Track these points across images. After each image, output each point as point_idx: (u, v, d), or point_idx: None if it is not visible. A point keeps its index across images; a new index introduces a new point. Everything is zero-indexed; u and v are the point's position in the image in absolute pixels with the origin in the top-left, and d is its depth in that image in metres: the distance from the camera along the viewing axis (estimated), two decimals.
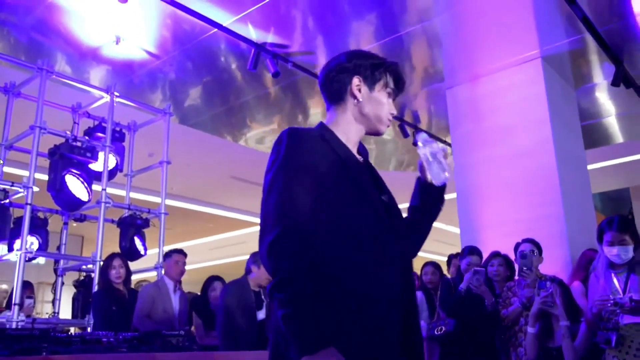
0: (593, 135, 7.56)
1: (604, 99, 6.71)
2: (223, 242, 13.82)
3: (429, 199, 1.85)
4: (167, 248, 5.04)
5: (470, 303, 4.22)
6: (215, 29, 4.93)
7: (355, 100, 1.76)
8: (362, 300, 1.50)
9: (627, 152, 8.72)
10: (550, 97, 5.47)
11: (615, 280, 3.32)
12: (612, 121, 7.39)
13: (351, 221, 1.58)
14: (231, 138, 7.57)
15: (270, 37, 5.13)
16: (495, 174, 5.52)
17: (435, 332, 4.48)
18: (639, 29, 5.18)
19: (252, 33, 5.05)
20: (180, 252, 4.89)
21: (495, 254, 4.56)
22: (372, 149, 7.96)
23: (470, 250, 4.62)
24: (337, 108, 1.79)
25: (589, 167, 6.26)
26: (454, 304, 4.38)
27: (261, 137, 7.54)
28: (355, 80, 1.76)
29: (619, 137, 7.96)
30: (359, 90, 1.76)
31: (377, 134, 1.83)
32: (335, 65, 1.80)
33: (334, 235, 1.54)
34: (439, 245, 12.96)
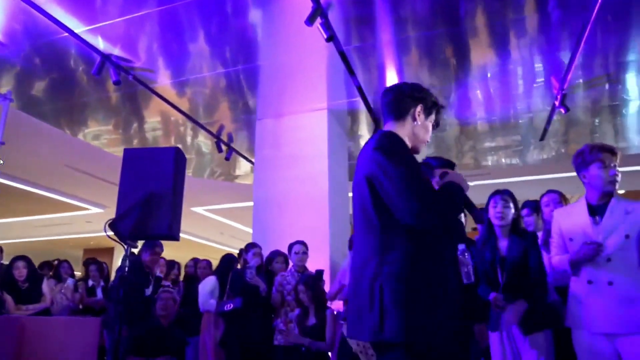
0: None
1: None
2: (50, 221, 12.15)
3: None
4: None
5: (252, 288, 4.22)
6: (67, 34, 4.34)
7: (415, 122, 1.82)
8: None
9: None
10: (330, 139, 5.77)
11: None
12: None
13: None
14: (70, 132, 6.71)
15: (117, 51, 4.68)
16: (284, 191, 5.65)
17: (225, 308, 4.36)
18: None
19: (100, 43, 4.56)
20: None
21: (277, 253, 4.62)
22: (192, 159, 7.64)
23: (252, 245, 4.65)
24: (396, 123, 1.84)
25: (350, 194, 6.66)
26: (241, 288, 4.31)
27: (98, 134, 6.81)
28: (419, 107, 1.83)
29: None
30: (419, 115, 1.82)
31: (416, 151, 1.86)
32: (407, 90, 1.85)
33: None
34: (236, 241, 12.90)
